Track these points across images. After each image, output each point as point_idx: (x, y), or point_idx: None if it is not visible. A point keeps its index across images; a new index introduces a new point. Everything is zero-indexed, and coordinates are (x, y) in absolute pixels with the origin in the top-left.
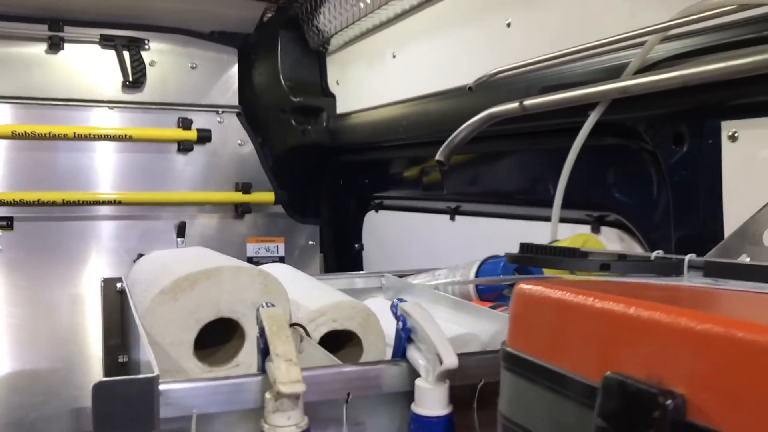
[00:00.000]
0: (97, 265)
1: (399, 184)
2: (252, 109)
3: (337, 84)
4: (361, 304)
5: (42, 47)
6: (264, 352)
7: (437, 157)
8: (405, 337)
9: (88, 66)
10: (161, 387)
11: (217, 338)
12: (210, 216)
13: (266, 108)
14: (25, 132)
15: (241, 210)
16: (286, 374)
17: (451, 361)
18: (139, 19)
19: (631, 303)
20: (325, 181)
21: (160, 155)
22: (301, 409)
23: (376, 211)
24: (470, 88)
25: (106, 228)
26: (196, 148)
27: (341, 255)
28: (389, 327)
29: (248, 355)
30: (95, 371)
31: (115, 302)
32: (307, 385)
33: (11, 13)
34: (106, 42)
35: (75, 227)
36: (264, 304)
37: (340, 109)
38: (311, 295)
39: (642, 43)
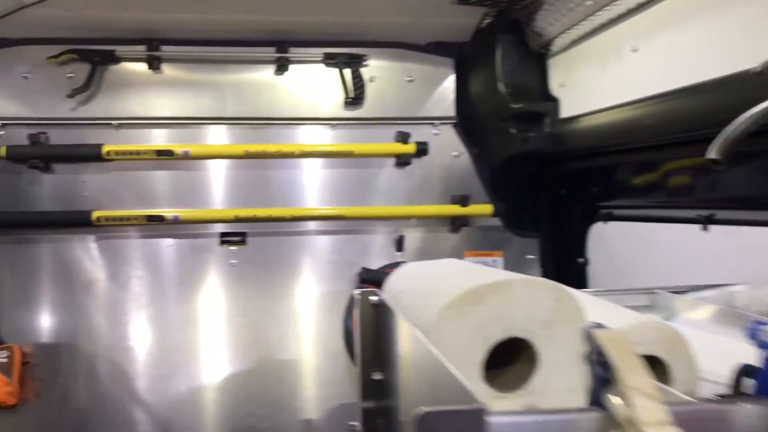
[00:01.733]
0: (320, 278)
1: (634, 192)
2: (468, 119)
3: (561, 87)
4: (668, 325)
5: (270, 69)
6: (602, 381)
7: (709, 155)
8: None
9: (310, 85)
10: (488, 419)
11: (498, 358)
12: (426, 230)
13: (484, 117)
14: (257, 151)
15: (458, 223)
16: (649, 413)
17: None
18: (358, 35)
19: None
20: (546, 191)
21: (378, 170)
22: None
23: (605, 221)
24: (759, 72)
25: (328, 242)
26: (413, 161)
27: (563, 270)
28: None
29: (544, 381)
30: (318, 383)
31: (370, 315)
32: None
33: (243, 38)
34: (328, 60)
35: (299, 241)
36: (594, 324)
37: (565, 113)
38: (607, 314)
39: None
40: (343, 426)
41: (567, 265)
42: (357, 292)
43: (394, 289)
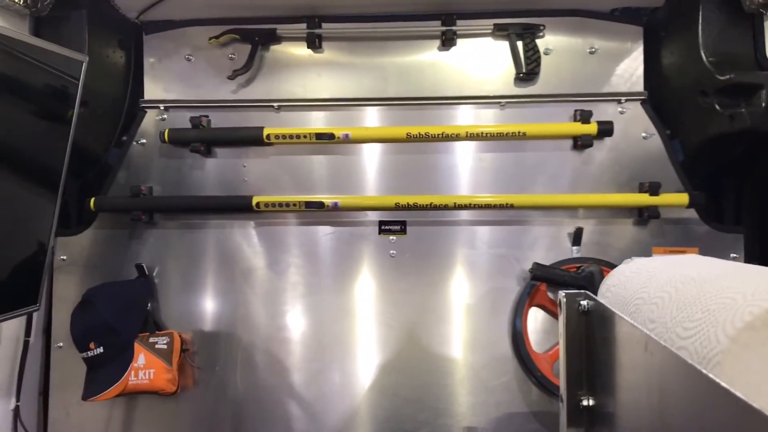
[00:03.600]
0: (483, 273)
1: None
2: (661, 95)
3: None
4: None
5: (435, 45)
6: None
7: None
8: None
9: (479, 61)
10: None
11: None
12: (606, 221)
13: (680, 92)
14: (419, 133)
15: (647, 214)
16: None
17: None
18: (534, 3)
19: None
20: (753, 179)
21: (553, 153)
22: None
23: None
24: None
25: (492, 233)
26: (595, 143)
27: None
28: None
29: None
30: (482, 388)
31: (579, 325)
32: None
33: (406, 12)
34: (499, 32)
35: (461, 232)
36: None
37: None
38: None
39: None
40: None
41: None
42: (562, 294)
43: (623, 294)
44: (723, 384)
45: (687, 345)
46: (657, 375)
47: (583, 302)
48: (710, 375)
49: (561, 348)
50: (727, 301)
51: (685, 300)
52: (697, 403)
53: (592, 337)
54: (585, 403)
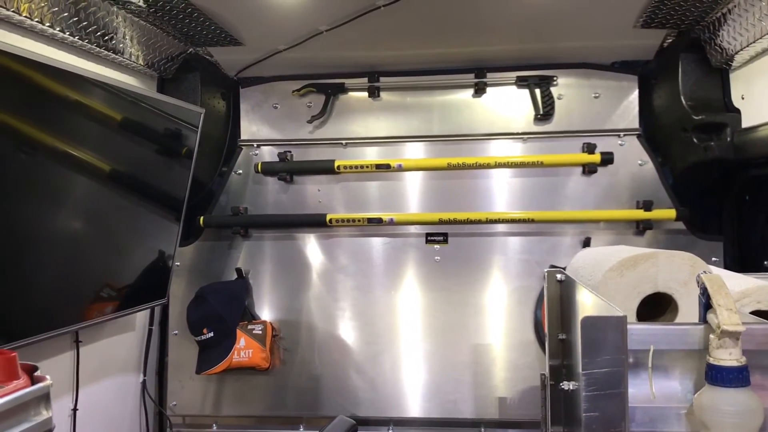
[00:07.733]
0: (511, 274)
1: None
2: (652, 131)
3: (742, 99)
4: None
5: (469, 92)
6: (706, 306)
7: None
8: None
9: (505, 105)
10: (628, 326)
11: (652, 311)
12: (611, 232)
13: (667, 128)
14: (457, 163)
15: (642, 227)
16: (729, 318)
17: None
18: (549, 59)
19: None
20: (729, 197)
21: (566, 178)
22: (740, 348)
23: None
24: None
25: (519, 243)
26: (599, 170)
27: (747, 272)
28: None
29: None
30: (510, 367)
31: (556, 290)
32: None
33: (447, 67)
34: (521, 82)
35: (493, 242)
36: (703, 271)
37: (746, 123)
38: (735, 280)
39: None
40: (534, 405)
41: (751, 268)
42: (545, 270)
43: (576, 266)
44: (599, 296)
45: (591, 283)
46: (582, 303)
47: (559, 275)
48: (594, 293)
49: (546, 304)
50: (607, 259)
51: (594, 263)
52: (591, 307)
53: (564, 296)
54: (561, 337)
